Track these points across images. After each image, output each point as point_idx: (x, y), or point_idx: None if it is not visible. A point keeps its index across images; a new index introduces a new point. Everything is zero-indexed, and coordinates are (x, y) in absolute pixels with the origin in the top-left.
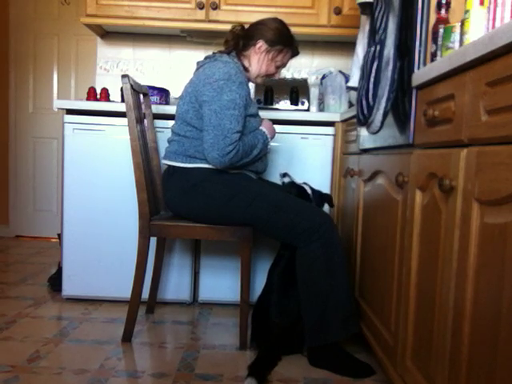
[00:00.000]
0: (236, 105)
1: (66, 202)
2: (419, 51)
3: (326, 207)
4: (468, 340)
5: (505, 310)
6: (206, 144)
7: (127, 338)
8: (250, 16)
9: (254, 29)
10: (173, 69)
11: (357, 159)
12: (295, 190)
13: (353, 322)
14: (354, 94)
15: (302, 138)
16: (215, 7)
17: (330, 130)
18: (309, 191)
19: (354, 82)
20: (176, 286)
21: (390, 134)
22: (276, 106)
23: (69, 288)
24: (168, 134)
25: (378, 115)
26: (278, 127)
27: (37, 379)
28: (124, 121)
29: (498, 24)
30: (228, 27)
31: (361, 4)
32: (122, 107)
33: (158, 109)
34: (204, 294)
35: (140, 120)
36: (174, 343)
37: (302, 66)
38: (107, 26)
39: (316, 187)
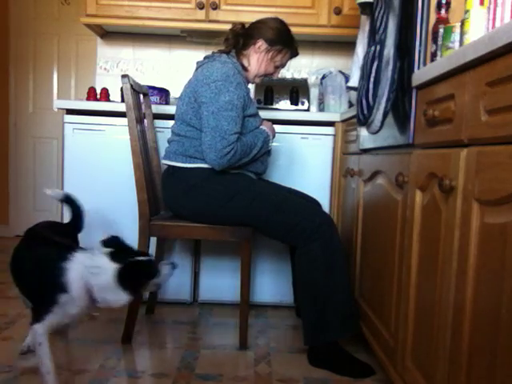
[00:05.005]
0: (233, 106)
1: None
2: (419, 51)
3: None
4: (468, 340)
5: (505, 310)
6: (204, 146)
7: (127, 338)
8: (250, 16)
9: (254, 28)
10: (173, 69)
11: (357, 159)
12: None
13: (352, 322)
14: (353, 94)
15: (302, 138)
16: (215, 7)
17: (329, 129)
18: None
19: (354, 81)
20: (176, 286)
21: (389, 134)
22: (276, 105)
23: None
24: (168, 134)
25: (378, 115)
26: (277, 127)
27: (37, 379)
28: (124, 121)
29: (498, 24)
30: (228, 27)
31: (361, 4)
32: (122, 107)
33: (158, 109)
34: (204, 294)
35: (140, 120)
36: (174, 343)
37: (302, 66)
38: (107, 26)
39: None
